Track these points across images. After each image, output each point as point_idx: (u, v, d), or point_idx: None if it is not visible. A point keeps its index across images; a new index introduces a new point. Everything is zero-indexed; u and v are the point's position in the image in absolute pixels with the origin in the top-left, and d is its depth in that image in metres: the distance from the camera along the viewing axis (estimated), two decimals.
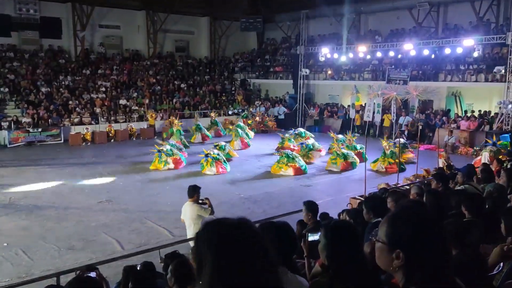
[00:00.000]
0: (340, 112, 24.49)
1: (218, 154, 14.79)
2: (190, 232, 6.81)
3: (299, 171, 14.41)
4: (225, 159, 15.06)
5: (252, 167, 15.44)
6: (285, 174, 14.29)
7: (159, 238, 8.54)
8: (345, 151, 15.35)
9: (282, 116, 25.98)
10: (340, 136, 17.55)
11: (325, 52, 24.42)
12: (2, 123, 20.37)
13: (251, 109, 26.46)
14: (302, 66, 26.17)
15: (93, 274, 4.10)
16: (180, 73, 29.78)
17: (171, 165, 14.94)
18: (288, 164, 14.43)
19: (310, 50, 26.18)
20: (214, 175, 14.10)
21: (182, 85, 28.33)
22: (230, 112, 26.74)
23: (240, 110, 23.58)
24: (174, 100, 26.41)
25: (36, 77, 24.18)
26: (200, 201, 6.84)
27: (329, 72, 26.34)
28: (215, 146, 15.95)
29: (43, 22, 25.70)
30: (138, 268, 4.29)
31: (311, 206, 4.94)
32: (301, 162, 14.75)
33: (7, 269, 7.23)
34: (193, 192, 6.75)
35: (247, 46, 33.98)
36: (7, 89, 22.68)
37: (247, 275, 1.19)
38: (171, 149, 15.38)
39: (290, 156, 14.63)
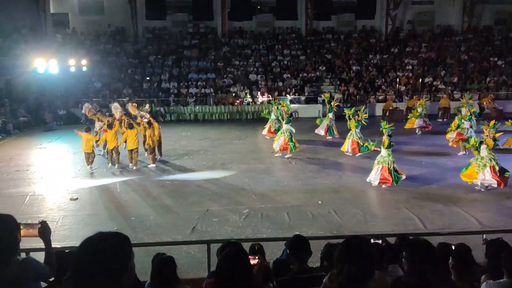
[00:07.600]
0: None
1: None
2: None
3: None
4: None
5: None
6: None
7: (466, 225, 7.98)
8: None
9: None
10: None
11: None
12: (318, 98, 23.16)
13: None
14: None
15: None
16: (498, 48, 26.33)
17: None
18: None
19: None
20: None
21: (499, 62, 25.03)
22: None
23: None
24: (488, 79, 23.69)
25: (349, 56, 26.22)
26: None
27: None
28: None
29: (359, 4, 27.46)
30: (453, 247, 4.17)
31: None
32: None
33: (321, 224, 8.28)
34: None
35: None
36: (324, 68, 25.53)
37: None
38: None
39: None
